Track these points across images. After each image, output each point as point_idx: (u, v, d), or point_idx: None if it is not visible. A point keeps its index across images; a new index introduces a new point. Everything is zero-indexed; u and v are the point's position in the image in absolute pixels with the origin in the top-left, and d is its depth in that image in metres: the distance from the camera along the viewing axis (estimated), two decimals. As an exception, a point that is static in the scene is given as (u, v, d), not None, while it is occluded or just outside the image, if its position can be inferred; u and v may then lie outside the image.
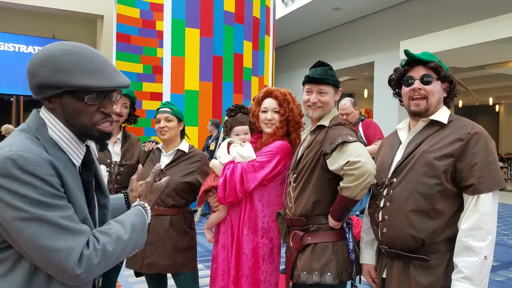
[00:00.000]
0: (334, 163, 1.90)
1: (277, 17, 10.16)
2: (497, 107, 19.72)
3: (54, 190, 1.02)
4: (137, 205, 1.26)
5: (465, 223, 1.55)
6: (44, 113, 1.13)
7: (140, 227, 1.19)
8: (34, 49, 13.24)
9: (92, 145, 1.26)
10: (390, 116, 10.12)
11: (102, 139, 1.18)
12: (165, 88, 6.95)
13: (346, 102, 4.28)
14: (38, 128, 1.10)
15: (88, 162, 1.21)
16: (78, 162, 1.16)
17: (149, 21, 9.63)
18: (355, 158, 1.80)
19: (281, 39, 13.50)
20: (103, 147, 1.23)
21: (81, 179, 1.17)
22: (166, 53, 6.96)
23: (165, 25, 6.98)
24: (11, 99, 13.32)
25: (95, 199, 1.25)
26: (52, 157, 1.05)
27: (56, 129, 1.12)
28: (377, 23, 11.00)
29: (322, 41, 13.04)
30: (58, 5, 12.44)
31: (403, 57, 6.93)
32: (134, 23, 9.47)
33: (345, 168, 1.82)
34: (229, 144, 2.43)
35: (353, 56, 11.63)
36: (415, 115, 1.76)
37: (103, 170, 1.40)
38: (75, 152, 1.15)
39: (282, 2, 11.32)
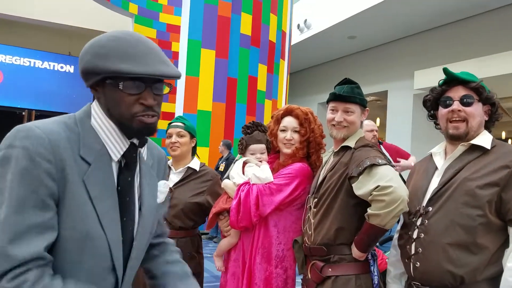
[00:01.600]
0: (362, 188, 1.74)
1: (292, 42, 10.18)
2: (509, 141, 19.48)
3: (35, 182, 0.89)
4: None
5: (511, 261, 1.38)
6: (93, 104, 1.07)
7: None
8: (49, 65, 13.33)
9: (144, 152, 1.14)
10: (403, 145, 9.90)
11: (142, 132, 1.06)
12: (178, 107, 6.91)
13: (370, 121, 4.16)
14: (82, 117, 1.04)
15: (130, 162, 1.09)
16: (116, 156, 1.05)
17: (165, 42, 9.71)
18: (386, 183, 1.64)
19: (296, 65, 13.52)
20: (142, 143, 1.10)
21: (119, 179, 1.05)
22: (180, 72, 6.96)
23: (181, 44, 7.00)
24: (23, 113, 13.40)
25: (136, 205, 1.10)
26: (84, 147, 0.99)
27: (99, 119, 1.05)
28: (392, 52, 10.96)
29: (336, 69, 13.02)
30: (75, 23, 12.61)
31: (417, 86, 6.82)
32: (150, 43, 9.54)
33: (374, 193, 1.66)
34: (244, 163, 2.28)
35: (367, 84, 11.53)
36: (454, 139, 1.61)
37: (162, 186, 1.24)
38: (114, 145, 1.05)
39: (298, 28, 11.37)
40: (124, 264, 1.06)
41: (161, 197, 1.20)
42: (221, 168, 6.53)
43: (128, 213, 1.07)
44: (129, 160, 1.08)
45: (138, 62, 0.99)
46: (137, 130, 1.05)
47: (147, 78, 1.00)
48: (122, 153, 1.06)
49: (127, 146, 1.07)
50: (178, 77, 1.05)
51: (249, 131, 2.27)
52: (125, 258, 1.06)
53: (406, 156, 4.26)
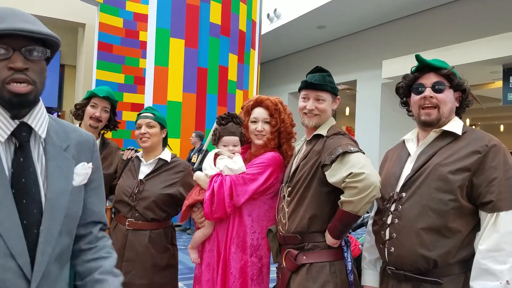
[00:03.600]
0: (334, 175, 1.74)
1: (262, 32, 10.13)
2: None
3: None
4: None
5: (483, 244, 1.41)
6: None
7: None
8: (11, 56, 12.86)
9: (42, 131, 1.10)
10: (372, 134, 10.13)
11: (13, 102, 1.02)
12: (147, 98, 6.77)
13: None
14: None
15: (23, 143, 1.06)
16: (2, 136, 1.03)
17: (132, 31, 9.43)
18: (359, 170, 1.64)
19: (266, 55, 13.50)
20: (15, 115, 1.06)
21: (11, 161, 1.03)
22: (149, 62, 6.80)
23: (149, 34, 6.83)
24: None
25: (39, 187, 1.06)
26: None
27: None
28: (360, 42, 11.09)
29: (305, 58, 13.08)
30: (38, 11, 12.11)
31: (385, 75, 6.86)
32: (116, 32, 9.25)
33: (347, 180, 1.67)
34: (216, 155, 2.24)
35: (336, 73, 11.59)
36: (426, 125, 1.63)
37: (80, 168, 1.20)
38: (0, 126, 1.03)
39: (268, 18, 11.32)
40: (33, 249, 1.02)
41: (78, 179, 1.16)
42: (194, 159, 6.45)
43: (28, 195, 1.03)
44: (21, 141, 1.05)
45: None
46: (8, 100, 1.01)
47: (13, 41, 0.99)
48: (8, 133, 1.04)
49: (14, 126, 1.04)
50: (39, 33, 1.02)
51: (223, 122, 2.24)
52: (34, 243, 1.03)
53: None
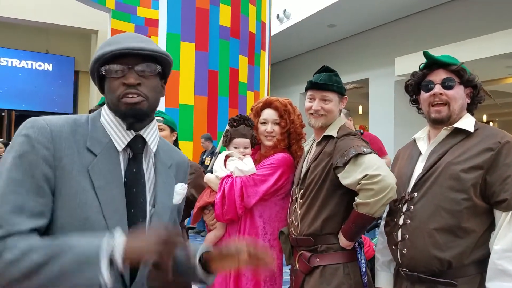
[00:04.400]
0: (348, 177, 1.72)
1: (272, 33, 10.11)
2: (490, 124, 19.77)
3: (32, 166, 0.95)
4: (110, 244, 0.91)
5: (498, 244, 1.37)
6: (105, 105, 1.15)
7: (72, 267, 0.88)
8: (27, 64, 13.10)
9: (153, 146, 1.17)
10: (386, 132, 10.00)
11: (128, 114, 1.08)
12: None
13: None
14: (94, 116, 1.12)
15: (136, 154, 1.13)
16: (120, 145, 1.09)
17: (143, 36, 9.54)
18: (374, 171, 1.62)
19: (276, 56, 13.47)
20: (130, 125, 1.11)
21: (124, 170, 1.09)
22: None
23: (160, 38, 6.88)
24: (3, 114, 13.10)
25: (146, 199, 1.11)
26: (91, 140, 1.05)
27: (106, 115, 1.11)
28: (372, 40, 10.99)
29: (317, 58, 13.01)
30: (52, 19, 12.31)
31: (398, 73, 6.71)
32: (128, 38, 9.36)
33: (362, 182, 1.64)
34: (227, 157, 2.25)
35: (348, 72, 11.59)
36: (436, 123, 1.59)
37: (179, 187, 1.26)
38: (119, 136, 1.10)
39: (277, 18, 11.30)
40: None
41: (177, 198, 1.21)
42: (207, 162, 6.47)
43: (136, 205, 1.08)
44: (135, 152, 1.11)
45: (113, 45, 1.05)
46: (124, 113, 1.07)
47: (128, 60, 1.06)
48: (126, 143, 1.10)
49: (131, 137, 1.11)
50: (148, 50, 1.07)
51: (235, 124, 2.24)
52: None
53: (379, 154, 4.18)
